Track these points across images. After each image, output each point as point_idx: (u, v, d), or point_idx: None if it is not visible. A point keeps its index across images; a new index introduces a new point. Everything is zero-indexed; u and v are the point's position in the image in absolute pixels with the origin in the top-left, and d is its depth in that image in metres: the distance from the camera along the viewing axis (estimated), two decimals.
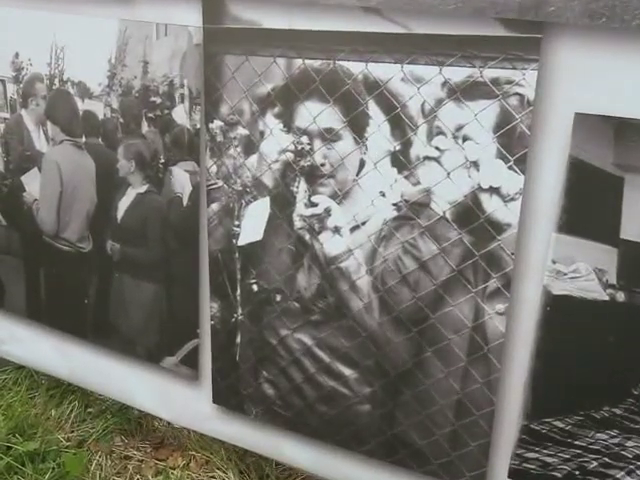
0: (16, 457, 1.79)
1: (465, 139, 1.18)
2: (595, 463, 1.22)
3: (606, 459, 1.21)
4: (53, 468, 1.78)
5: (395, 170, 1.26)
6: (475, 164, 1.18)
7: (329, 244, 1.37)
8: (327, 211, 1.35)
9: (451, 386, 1.32)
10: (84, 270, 1.78)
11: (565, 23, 1.05)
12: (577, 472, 1.24)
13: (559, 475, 1.25)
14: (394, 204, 1.28)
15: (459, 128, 1.18)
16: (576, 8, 1.03)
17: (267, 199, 1.42)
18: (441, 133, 1.20)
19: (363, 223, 1.32)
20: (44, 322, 1.91)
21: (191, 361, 1.67)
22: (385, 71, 1.22)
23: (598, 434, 1.21)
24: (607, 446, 1.21)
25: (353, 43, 1.23)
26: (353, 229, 1.34)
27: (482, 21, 1.11)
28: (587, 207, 1.13)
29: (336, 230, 1.36)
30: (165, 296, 1.66)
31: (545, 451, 1.26)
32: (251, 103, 1.37)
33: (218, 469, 1.80)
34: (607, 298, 1.14)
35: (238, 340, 1.56)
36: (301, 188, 1.37)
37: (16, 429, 1.89)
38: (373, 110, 1.25)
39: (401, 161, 1.25)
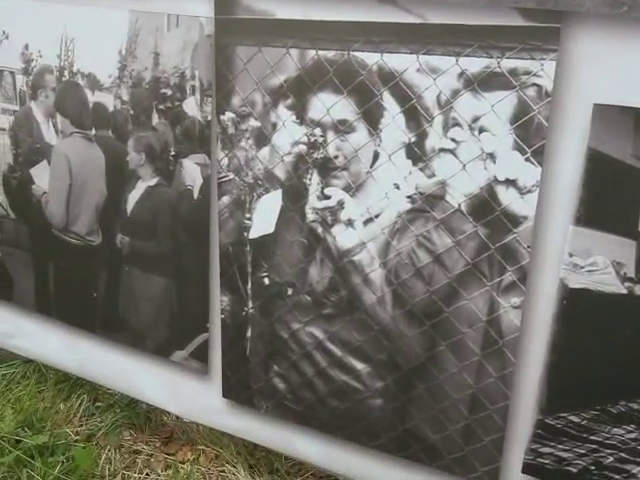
0: (25, 450, 1.79)
1: (481, 130, 1.17)
2: (611, 458, 1.21)
3: (622, 454, 1.20)
4: (62, 462, 1.78)
5: (410, 162, 1.25)
6: (491, 156, 1.17)
7: (342, 237, 1.36)
8: (340, 204, 1.34)
9: (465, 380, 1.31)
10: (93, 263, 1.78)
11: (585, 12, 1.04)
12: (593, 467, 1.23)
13: (574, 470, 1.24)
14: (408, 196, 1.27)
15: (475, 119, 1.17)
16: None
17: (279, 191, 1.41)
18: (457, 124, 1.18)
19: (377, 216, 1.31)
20: (53, 316, 1.90)
21: (201, 355, 1.66)
22: (400, 62, 1.20)
23: (614, 429, 1.20)
24: (623, 441, 1.20)
25: (368, 33, 1.22)
26: (366, 222, 1.33)
27: (500, 10, 1.10)
28: (605, 199, 1.12)
29: (349, 223, 1.34)
30: (175, 290, 1.65)
31: (560, 446, 1.25)
32: (263, 95, 1.36)
33: (227, 463, 1.79)
34: (625, 291, 1.13)
35: (248, 334, 1.56)
36: (314, 180, 1.36)
37: (25, 423, 1.89)
38: (388, 101, 1.24)
39: (416, 153, 1.24)
